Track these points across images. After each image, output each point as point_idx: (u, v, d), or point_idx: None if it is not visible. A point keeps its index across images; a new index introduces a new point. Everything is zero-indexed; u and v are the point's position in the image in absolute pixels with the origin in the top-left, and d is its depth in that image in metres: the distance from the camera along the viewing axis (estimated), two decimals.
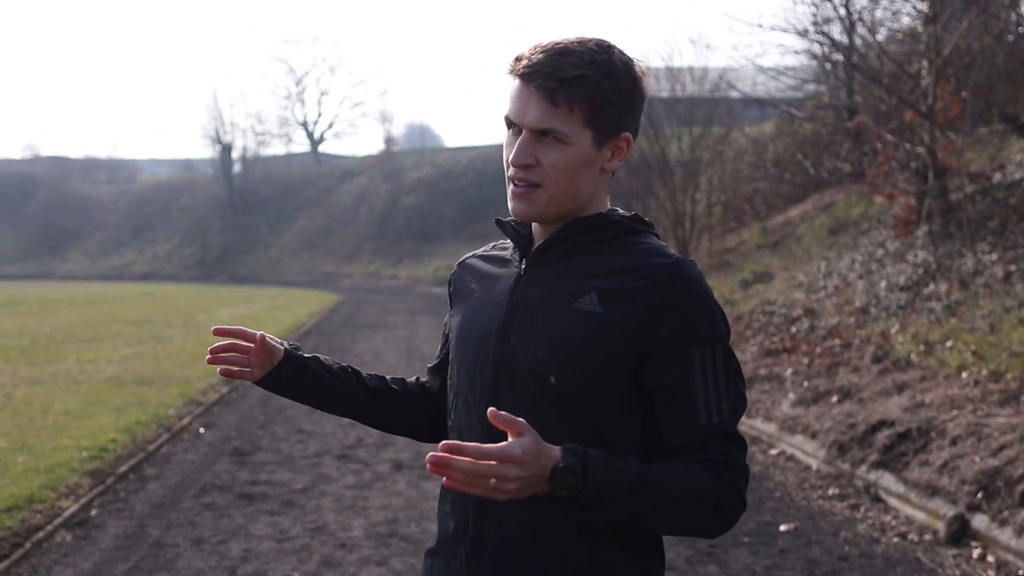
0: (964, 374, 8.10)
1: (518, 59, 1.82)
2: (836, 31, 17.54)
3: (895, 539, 6.06)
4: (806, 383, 9.70)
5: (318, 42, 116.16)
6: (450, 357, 2.03)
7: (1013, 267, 9.81)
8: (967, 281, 10.21)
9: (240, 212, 56.92)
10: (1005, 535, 5.61)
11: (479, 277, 2.01)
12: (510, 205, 1.87)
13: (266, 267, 51.07)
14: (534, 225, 1.93)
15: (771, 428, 8.98)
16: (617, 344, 1.78)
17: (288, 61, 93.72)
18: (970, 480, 6.19)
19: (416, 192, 49.52)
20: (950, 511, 6.07)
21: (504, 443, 1.59)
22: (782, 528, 6.28)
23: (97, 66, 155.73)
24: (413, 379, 2.25)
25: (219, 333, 2.06)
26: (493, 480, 1.57)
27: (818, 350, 10.61)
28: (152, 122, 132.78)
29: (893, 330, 10.06)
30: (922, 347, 9.14)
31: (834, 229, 15.85)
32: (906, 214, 12.80)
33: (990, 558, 5.54)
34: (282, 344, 2.13)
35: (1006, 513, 5.75)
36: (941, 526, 6.03)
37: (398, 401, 2.18)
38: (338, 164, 61.06)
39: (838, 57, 17.67)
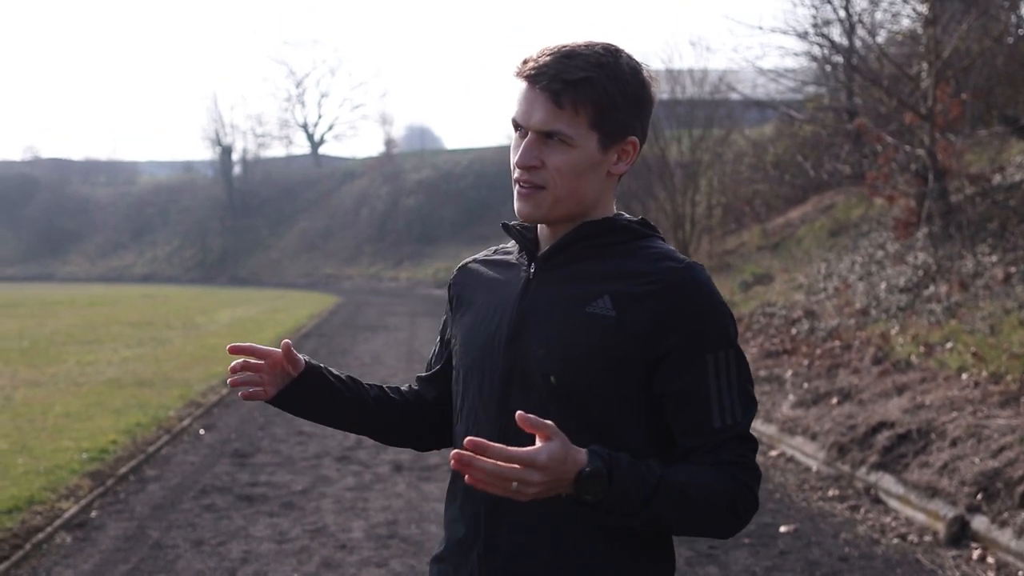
0: (964, 375, 8.10)
1: (525, 61, 1.83)
2: (836, 33, 17.55)
3: (895, 540, 6.07)
4: (806, 384, 9.70)
5: (318, 44, 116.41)
6: (454, 363, 2.01)
7: (1013, 269, 9.81)
8: (967, 283, 10.21)
9: (240, 214, 56.93)
10: (1005, 536, 5.61)
11: (483, 282, 2.01)
12: (516, 207, 1.87)
13: (266, 269, 51.07)
14: (540, 229, 1.94)
15: (771, 429, 8.98)
16: (630, 348, 1.79)
17: (288, 63, 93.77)
18: (970, 481, 6.19)
19: (416, 194, 49.54)
20: (950, 512, 6.07)
21: (531, 448, 1.59)
22: (782, 529, 6.28)
23: (97, 68, 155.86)
24: (406, 387, 2.21)
25: (233, 351, 2.02)
26: (515, 484, 1.58)
27: (818, 352, 10.61)
28: (152, 124, 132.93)
29: (893, 332, 10.07)
30: (922, 349, 9.15)
31: (834, 231, 15.86)
32: (906, 216, 12.80)
33: (990, 559, 5.55)
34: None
35: (1006, 514, 5.76)
36: (941, 527, 6.03)
37: (398, 411, 2.15)
38: (338, 166, 61.05)
39: (838, 59, 17.69)
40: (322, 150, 64.96)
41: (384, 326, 21.52)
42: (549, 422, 1.60)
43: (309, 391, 2.04)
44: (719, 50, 52.79)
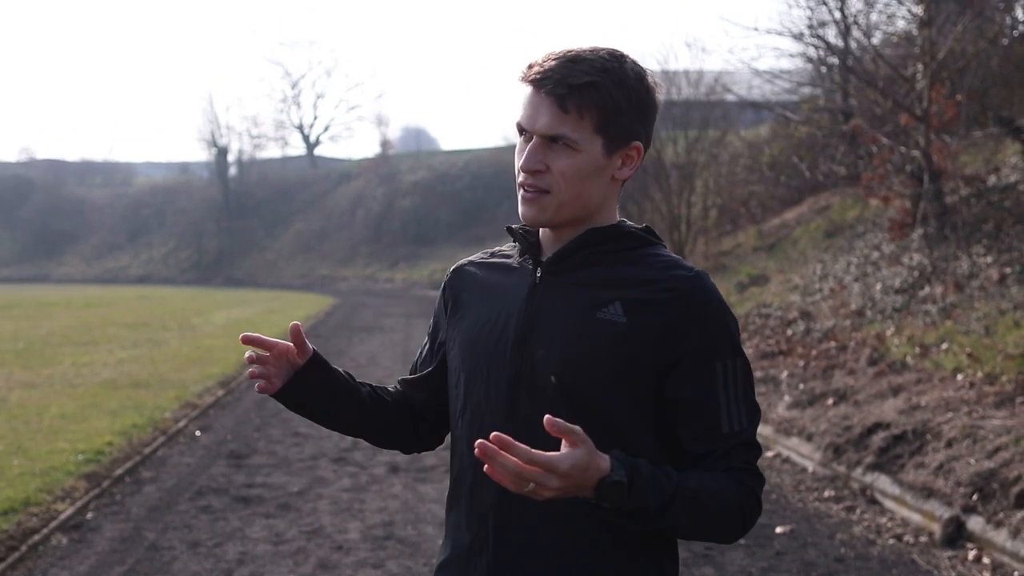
0: (959, 376, 8.11)
1: (530, 66, 1.84)
2: (831, 35, 17.58)
3: (891, 541, 6.08)
4: (802, 385, 9.71)
5: (314, 45, 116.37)
6: (452, 366, 2.00)
7: (1008, 270, 9.83)
8: (962, 284, 10.23)
9: (236, 215, 56.90)
10: (1000, 537, 5.62)
11: (482, 285, 2.00)
12: (520, 211, 1.88)
13: (262, 270, 51.05)
14: (542, 233, 1.94)
15: (767, 430, 8.99)
16: (641, 354, 1.80)
17: (284, 64, 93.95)
18: (965, 482, 6.20)
19: (412, 195, 49.54)
20: (946, 513, 6.08)
21: (555, 454, 1.60)
22: (778, 530, 6.29)
23: (93, 69, 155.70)
24: (392, 388, 2.18)
25: (246, 341, 1.97)
26: (532, 485, 1.59)
27: (814, 352, 10.62)
28: (148, 125, 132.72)
29: (888, 333, 10.08)
30: (917, 349, 9.16)
31: (830, 232, 15.88)
32: (901, 217, 12.82)
33: (985, 560, 5.56)
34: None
35: (1001, 515, 5.77)
36: (937, 528, 6.04)
37: (393, 412, 2.13)
38: (334, 167, 61.04)
39: (833, 60, 17.72)
40: (318, 151, 65.00)
41: (380, 327, 21.52)
42: (577, 428, 1.60)
43: (313, 385, 2.00)
44: (715, 51, 52.87)
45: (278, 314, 25.47)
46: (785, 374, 10.34)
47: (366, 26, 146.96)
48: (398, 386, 2.18)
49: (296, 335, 1.97)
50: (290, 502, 6.99)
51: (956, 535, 5.90)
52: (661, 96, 1.90)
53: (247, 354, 1.97)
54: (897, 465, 7.03)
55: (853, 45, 17.21)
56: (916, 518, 6.36)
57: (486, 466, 1.59)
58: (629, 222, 1.95)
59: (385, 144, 58.41)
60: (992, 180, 12.32)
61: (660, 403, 1.83)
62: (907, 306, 10.64)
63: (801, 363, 10.47)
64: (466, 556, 1.92)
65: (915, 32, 13.80)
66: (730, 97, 22.43)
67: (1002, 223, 11.00)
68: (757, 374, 10.60)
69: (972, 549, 5.72)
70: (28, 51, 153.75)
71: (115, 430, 9.11)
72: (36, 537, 6.09)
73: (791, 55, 26.06)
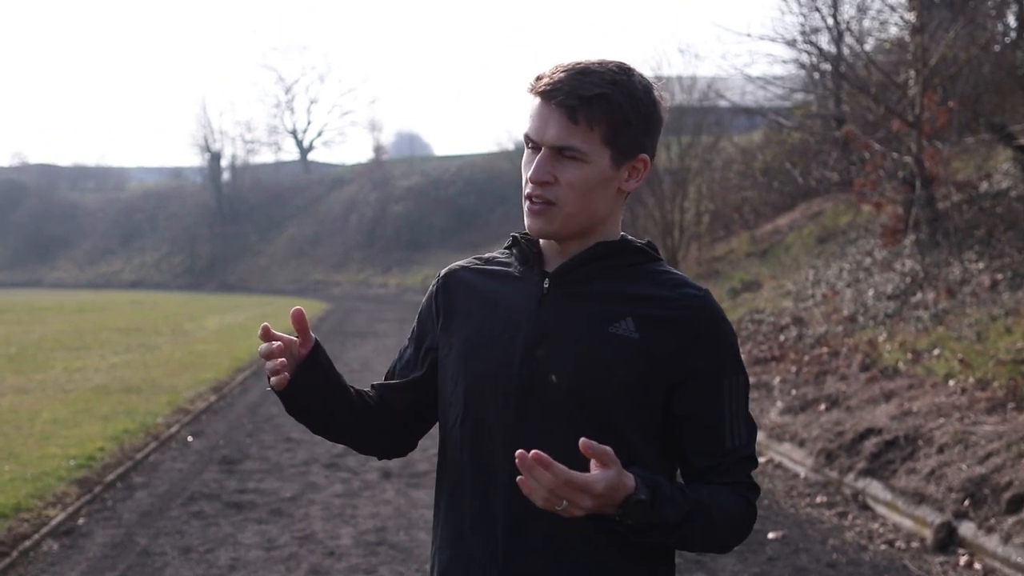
0: (951, 382, 8.13)
1: (539, 78, 1.85)
2: (824, 41, 17.65)
3: (883, 547, 6.08)
4: (794, 391, 9.73)
5: (307, 50, 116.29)
6: (448, 373, 1.98)
7: (1000, 276, 9.86)
8: (954, 290, 10.25)
9: (229, 220, 56.83)
10: (992, 542, 5.63)
11: (480, 293, 1.99)
12: (527, 222, 1.89)
13: (255, 275, 50.99)
14: (544, 243, 1.95)
15: (759, 436, 8.99)
16: (653, 370, 1.84)
17: (277, 69, 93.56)
18: (957, 488, 6.21)
19: (405, 200, 49.51)
20: (937, 518, 6.09)
21: (590, 476, 1.63)
22: (770, 536, 6.30)
23: (86, 74, 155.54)
24: (368, 391, 2.12)
25: (265, 335, 1.90)
26: (565, 503, 1.62)
27: (806, 358, 10.64)
28: (141, 130, 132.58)
29: (881, 338, 10.10)
30: (909, 355, 9.18)
31: (822, 238, 15.91)
32: (893, 223, 12.86)
33: (977, 565, 5.57)
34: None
35: (993, 520, 5.78)
36: (928, 533, 6.05)
37: (384, 416, 2.09)
38: (327, 172, 61.01)
39: (826, 67, 17.79)
40: (311, 156, 64.92)
41: (373, 332, 21.51)
42: (609, 449, 1.64)
43: (318, 376, 1.95)
44: (708, 57, 53.11)
45: (271, 319, 24.95)
46: (777, 380, 10.35)
47: (359, 31, 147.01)
48: (373, 391, 2.13)
49: (300, 321, 1.92)
50: (282, 507, 6.98)
51: (948, 541, 5.91)
52: (667, 109, 1.92)
53: (261, 348, 1.89)
54: (889, 471, 7.04)
55: (846, 51, 17.29)
56: (908, 524, 6.37)
57: (519, 478, 1.62)
58: (632, 237, 1.98)
59: (378, 149, 58.35)
60: (984, 186, 12.36)
61: (666, 416, 1.88)
62: (899, 312, 10.66)
63: (793, 369, 10.48)
64: (472, 564, 1.91)
65: (907, 38, 13.87)
66: (723, 103, 22.49)
67: (994, 229, 11.03)
68: (750, 380, 10.60)
69: (963, 555, 5.73)
70: (21, 55, 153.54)
71: (107, 435, 9.09)
72: (27, 543, 6.07)
73: (784, 61, 26.17)
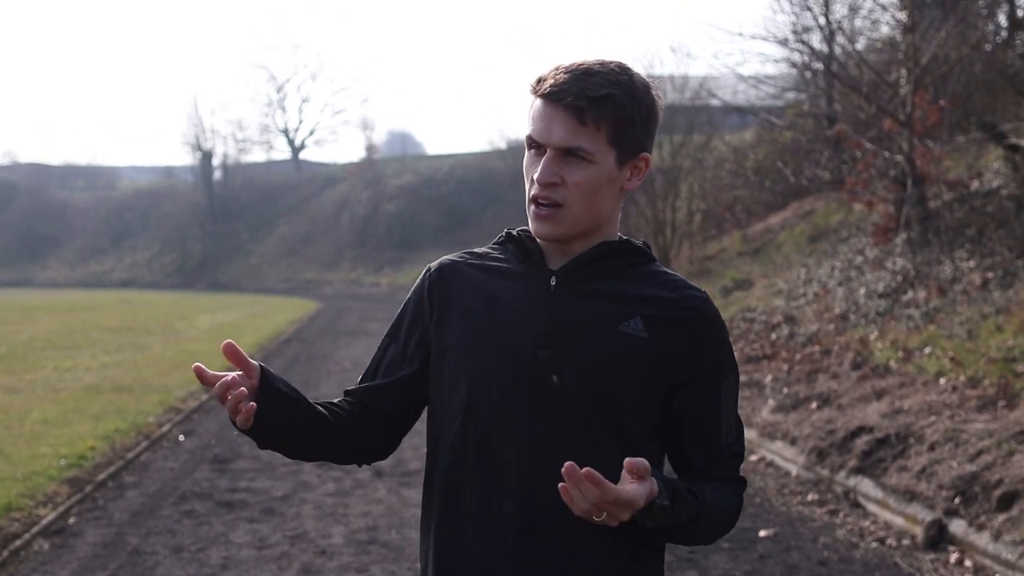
0: (942, 380, 8.15)
1: (540, 80, 1.86)
2: (816, 40, 17.69)
3: (874, 544, 6.10)
4: (786, 389, 9.74)
5: (299, 49, 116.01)
6: (446, 370, 1.95)
7: (990, 274, 9.89)
8: (945, 288, 10.28)
9: (220, 219, 56.69)
10: (982, 540, 5.64)
11: (479, 289, 1.96)
12: (533, 226, 1.89)
13: (246, 274, 50.88)
14: (543, 242, 1.95)
15: (751, 434, 9.01)
16: (660, 369, 1.88)
17: (269, 68, 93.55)
18: (948, 485, 6.23)
19: (397, 199, 49.44)
20: (928, 516, 6.10)
21: (632, 491, 1.67)
22: (762, 534, 6.31)
23: (77, 73, 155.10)
24: (338, 400, 2.06)
25: (201, 378, 1.85)
26: (605, 514, 1.67)
27: (798, 357, 10.66)
28: (132, 129, 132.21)
29: (872, 337, 10.12)
30: (901, 353, 9.20)
31: (814, 236, 15.94)
32: (885, 222, 12.88)
33: (967, 563, 5.58)
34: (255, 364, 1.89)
35: (983, 518, 5.79)
36: (919, 531, 6.06)
37: (354, 425, 2.02)
38: (319, 171, 60.87)
39: (818, 66, 17.82)
40: (303, 155, 64.79)
41: (365, 331, 21.48)
42: (648, 464, 1.69)
43: (277, 399, 1.87)
44: (700, 56, 53.02)
45: (262, 318, 25.41)
46: (769, 378, 10.37)
47: (351, 30, 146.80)
48: (350, 397, 2.07)
49: (233, 354, 1.84)
50: (274, 506, 6.97)
51: (938, 538, 5.93)
52: (663, 107, 1.94)
53: (214, 391, 1.82)
54: (880, 469, 7.06)
55: (837, 50, 17.31)
56: (899, 521, 6.38)
57: (561, 486, 1.65)
58: (627, 237, 2.00)
59: (370, 148, 58.28)
60: (975, 185, 12.39)
61: (666, 415, 1.91)
62: (890, 310, 10.69)
63: (785, 367, 10.50)
64: (480, 566, 1.89)
65: (899, 38, 13.89)
66: (715, 102, 22.51)
67: (985, 228, 11.06)
68: (741, 378, 10.61)
69: (954, 552, 5.74)
70: (11, 54, 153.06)
71: (98, 435, 9.07)
72: (18, 542, 6.06)
73: (776, 60, 26.11)
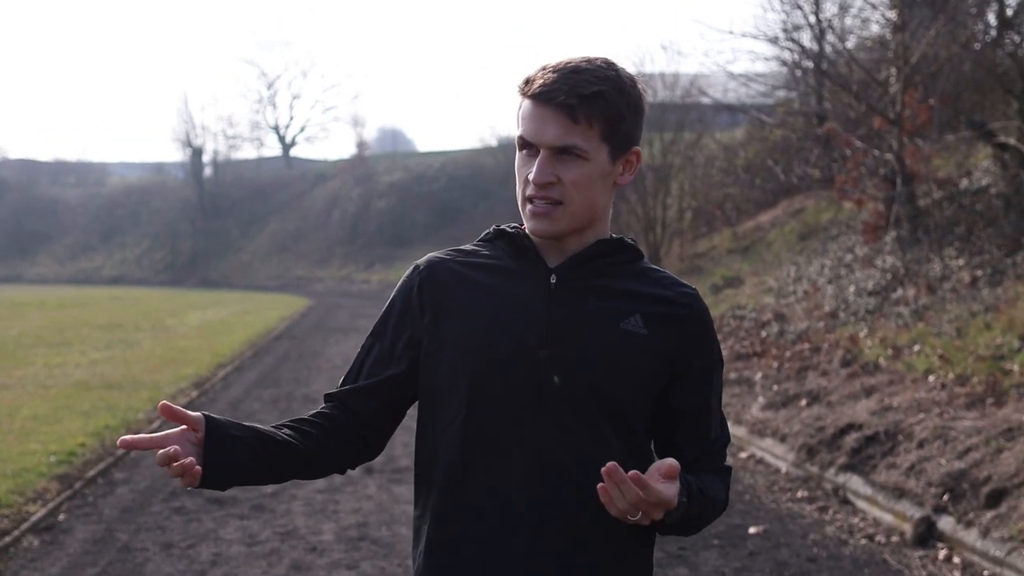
0: (931, 378, 8.18)
1: (529, 81, 1.86)
2: (806, 38, 17.71)
3: (863, 541, 6.12)
4: (776, 387, 9.77)
5: (290, 46, 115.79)
6: (442, 369, 1.92)
7: (979, 272, 9.92)
8: (934, 286, 10.31)
9: (211, 216, 56.55)
10: (971, 536, 5.67)
11: (473, 286, 1.94)
12: (530, 225, 1.89)
13: (237, 271, 50.78)
14: (536, 239, 1.94)
15: (741, 431, 9.03)
16: (659, 365, 1.91)
17: (260, 64, 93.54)
18: (936, 482, 6.25)
19: (388, 196, 49.40)
20: (917, 513, 6.13)
21: (667, 492, 1.73)
22: (751, 530, 6.32)
23: (66, 68, 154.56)
24: (315, 413, 2.02)
25: (125, 446, 1.82)
26: (640, 514, 1.72)
27: (788, 354, 10.68)
28: (123, 125, 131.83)
29: (862, 334, 10.15)
30: (890, 351, 9.23)
31: (804, 234, 15.97)
32: (875, 220, 12.92)
33: (956, 559, 5.61)
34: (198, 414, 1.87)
35: (971, 515, 5.82)
36: (908, 528, 6.09)
37: (331, 438, 1.99)
38: (310, 168, 60.76)
39: (808, 64, 17.83)
40: (293, 152, 64.70)
41: (355, 328, 21.45)
42: (678, 464, 1.75)
43: (231, 446, 1.84)
44: (690, 54, 53.29)
45: (252, 315, 25.37)
46: (759, 375, 10.39)
47: (342, 27, 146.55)
48: (330, 401, 2.04)
49: (170, 414, 1.81)
50: (264, 503, 6.97)
51: (927, 535, 5.95)
52: (648, 101, 1.95)
53: (158, 457, 1.78)
54: (869, 466, 7.08)
55: (827, 49, 17.34)
56: (888, 518, 6.41)
57: (600, 486, 1.69)
58: (621, 235, 2.02)
59: (361, 145, 58.19)
60: (964, 183, 12.43)
61: (660, 409, 1.94)
62: (880, 308, 10.72)
63: (775, 364, 10.53)
64: (488, 564, 1.88)
65: (889, 36, 13.92)
66: (705, 100, 22.53)
67: (973, 226, 11.10)
68: (731, 375, 10.66)
69: (943, 549, 5.77)
70: None
71: (88, 431, 9.05)
72: (7, 539, 6.04)
73: (766, 59, 26.20)
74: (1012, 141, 11.28)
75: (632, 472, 1.66)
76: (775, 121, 20.05)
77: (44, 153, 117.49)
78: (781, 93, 21.02)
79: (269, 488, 7.37)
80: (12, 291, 40.83)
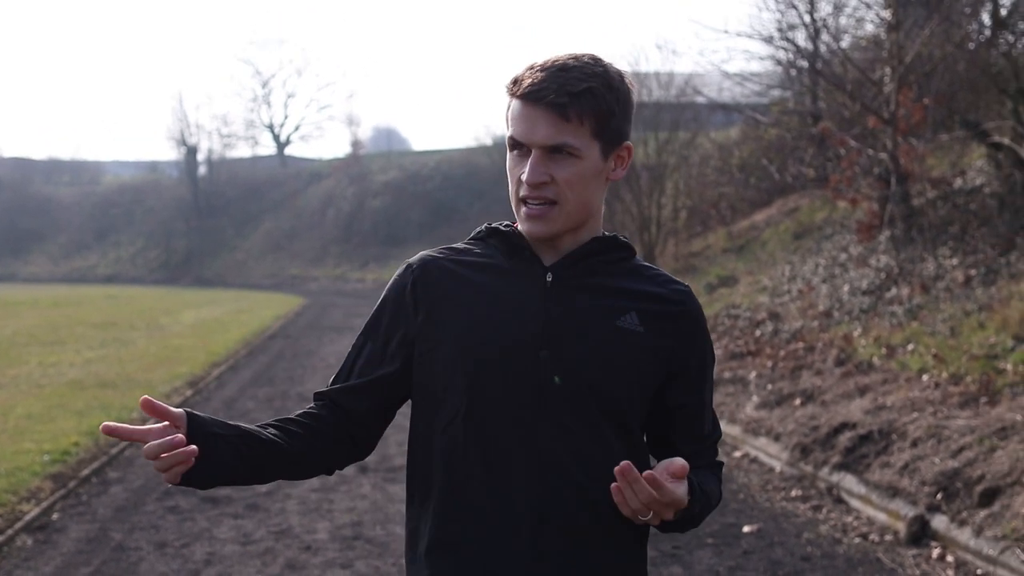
0: (925, 377, 8.19)
1: (517, 81, 1.85)
2: (801, 38, 17.74)
3: (856, 540, 6.13)
4: (770, 386, 9.78)
5: (285, 44, 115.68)
6: (437, 368, 1.91)
7: (973, 271, 9.94)
8: (928, 285, 10.33)
9: (205, 215, 56.50)
10: (964, 535, 5.68)
11: (468, 284, 1.93)
12: (525, 227, 1.88)
13: (231, 270, 50.73)
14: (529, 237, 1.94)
15: (735, 430, 9.04)
16: (655, 363, 1.91)
17: (254, 63, 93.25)
18: (930, 481, 6.27)
19: (383, 195, 49.38)
20: (910, 512, 6.14)
21: (679, 491, 1.76)
22: (745, 529, 6.33)
23: (60, 66, 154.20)
24: (303, 413, 2.00)
25: (107, 431, 1.82)
26: (651, 514, 1.75)
27: (782, 353, 10.69)
28: (117, 123, 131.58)
29: (856, 333, 10.17)
30: (884, 350, 9.24)
31: (798, 234, 15.98)
32: (869, 219, 12.93)
33: (949, 558, 5.62)
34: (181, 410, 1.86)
35: (965, 514, 5.83)
36: (902, 527, 6.10)
37: (321, 435, 1.98)
38: (304, 167, 60.71)
39: (803, 63, 17.86)
40: (288, 151, 64.62)
41: (350, 327, 21.44)
42: (687, 464, 1.78)
43: (217, 447, 1.83)
44: (685, 53, 53.16)
45: (247, 314, 25.35)
46: (753, 375, 10.40)
47: (337, 26, 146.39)
48: (320, 400, 2.03)
49: (153, 409, 1.80)
50: (258, 502, 6.96)
51: (920, 534, 5.96)
52: (636, 95, 1.95)
53: (145, 450, 1.78)
54: (863, 465, 7.09)
55: (822, 48, 17.37)
56: (881, 517, 6.42)
57: (614, 486, 1.71)
58: (615, 233, 2.02)
59: (356, 144, 58.16)
60: (958, 183, 12.45)
61: (655, 407, 1.96)
62: (874, 307, 10.73)
63: (769, 364, 10.54)
64: (490, 562, 1.87)
65: (883, 36, 13.94)
66: (700, 99, 22.54)
67: (967, 225, 11.12)
68: (725, 374, 10.67)
69: (936, 547, 5.78)
70: None
71: (82, 430, 9.04)
72: (0, 538, 6.03)
73: (761, 58, 26.27)
74: (1006, 141, 11.30)
75: (647, 472, 1.68)
76: (770, 120, 20.06)
77: (38, 151, 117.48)
78: (776, 92, 21.03)
79: (263, 487, 7.36)
80: (6, 290, 40.75)
